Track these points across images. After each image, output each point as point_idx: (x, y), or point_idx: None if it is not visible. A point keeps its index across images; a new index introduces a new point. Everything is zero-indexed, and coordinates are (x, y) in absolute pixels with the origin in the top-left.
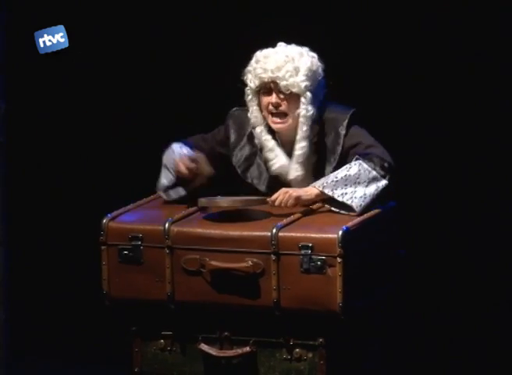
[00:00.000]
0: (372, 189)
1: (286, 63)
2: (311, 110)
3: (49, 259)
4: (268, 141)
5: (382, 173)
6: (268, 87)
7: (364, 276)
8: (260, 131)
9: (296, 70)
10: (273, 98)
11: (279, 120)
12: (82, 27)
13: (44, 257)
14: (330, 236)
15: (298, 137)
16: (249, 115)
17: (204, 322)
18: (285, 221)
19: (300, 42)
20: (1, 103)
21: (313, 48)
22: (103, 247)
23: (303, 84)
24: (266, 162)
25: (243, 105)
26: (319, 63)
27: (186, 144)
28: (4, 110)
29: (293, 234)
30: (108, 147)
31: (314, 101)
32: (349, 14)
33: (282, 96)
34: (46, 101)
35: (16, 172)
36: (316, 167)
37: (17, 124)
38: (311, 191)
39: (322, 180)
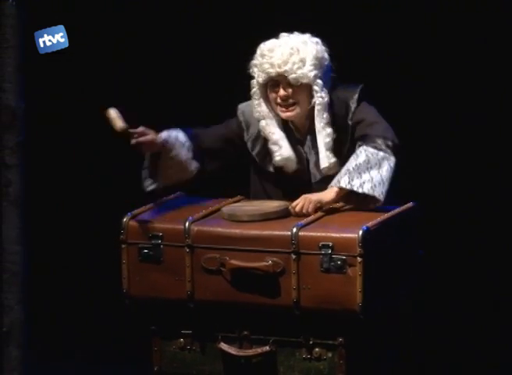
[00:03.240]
0: (386, 171)
1: (292, 55)
2: (325, 97)
3: (69, 258)
4: (273, 134)
5: (389, 151)
6: (275, 81)
7: (383, 276)
8: (265, 124)
9: (303, 61)
10: (281, 92)
11: (286, 109)
12: (82, 27)
13: (64, 256)
14: (350, 235)
15: (321, 124)
16: (254, 108)
17: (223, 321)
18: (305, 220)
19: (301, 30)
20: (20, 102)
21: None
22: (123, 245)
23: (312, 74)
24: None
25: (248, 98)
26: (324, 48)
27: (186, 131)
28: (23, 109)
29: (314, 234)
30: (127, 146)
31: (326, 88)
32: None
33: (290, 89)
34: (46, 100)
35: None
36: (337, 152)
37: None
38: (330, 191)
39: (337, 178)
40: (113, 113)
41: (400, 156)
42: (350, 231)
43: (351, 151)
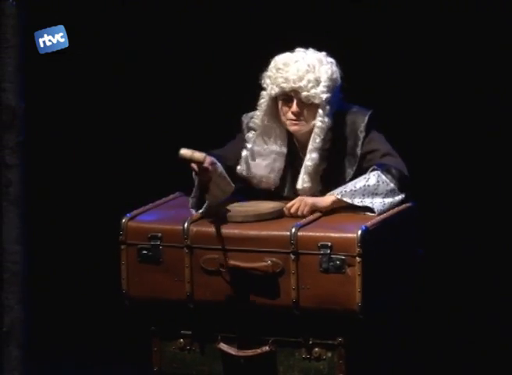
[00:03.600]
0: (389, 202)
1: (308, 73)
2: (326, 122)
3: (68, 259)
4: (245, 150)
5: (400, 186)
6: (288, 95)
7: (383, 276)
8: (250, 137)
9: (318, 81)
10: (294, 107)
11: (295, 122)
12: (82, 27)
13: (63, 256)
14: (349, 235)
15: (310, 147)
16: (253, 118)
17: (223, 321)
18: (304, 220)
19: (314, 46)
20: (20, 102)
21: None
22: (122, 246)
23: (324, 96)
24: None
25: (252, 108)
26: (337, 69)
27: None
28: (23, 109)
29: (312, 234)
30: (126, 147)
31: (330, 112)
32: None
33: (302, 105)
34: (46, 100)
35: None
36: (326, 174)
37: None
38: (328, 198)
39: (340, 189)
40: (187, 152)
41: (407, 193)
42: (349, 231)
43: (352, 180)
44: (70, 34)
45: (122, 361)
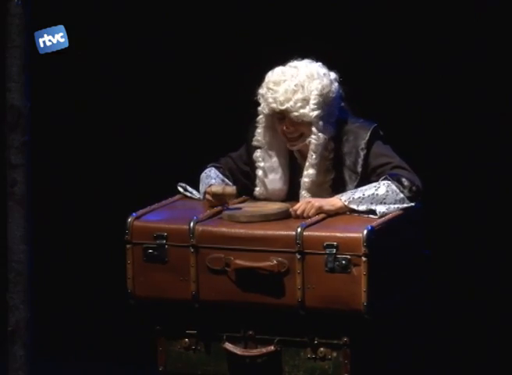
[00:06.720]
0: (396, 206)
1: (295, 93)
2: (322, 138)
3: (73, 258)
4: (259, 170)
5: (410, 195)
6: (281, 114)
7: (388, 276)
8: (258, 155)
9: (306, 100)
10: (285, 127)
11: (293, 142)
12: (82, 27)
13: (69, 256)
14: (355, 235)
15: (307, 164)
16: (255, 136)
17: (228, 321)
18: (309, 220)
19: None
20: (26, 102)
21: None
22: (128, 246)
23: (313, 114)
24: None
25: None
26: (331, 78)
27: (216, 168)
28: (29, 109)
29: (318, 233)
30: (131, 146)
31: (325, 128)
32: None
33: (294, 124)
34: (52, 100)
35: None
36: (335, 184)
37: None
38: (335, 202)
39: (349, 195)
40: (218, 188)
41: (419, 201)
42: (355, 231)
43: None
44: (70, 34)
45: (127, 360)
